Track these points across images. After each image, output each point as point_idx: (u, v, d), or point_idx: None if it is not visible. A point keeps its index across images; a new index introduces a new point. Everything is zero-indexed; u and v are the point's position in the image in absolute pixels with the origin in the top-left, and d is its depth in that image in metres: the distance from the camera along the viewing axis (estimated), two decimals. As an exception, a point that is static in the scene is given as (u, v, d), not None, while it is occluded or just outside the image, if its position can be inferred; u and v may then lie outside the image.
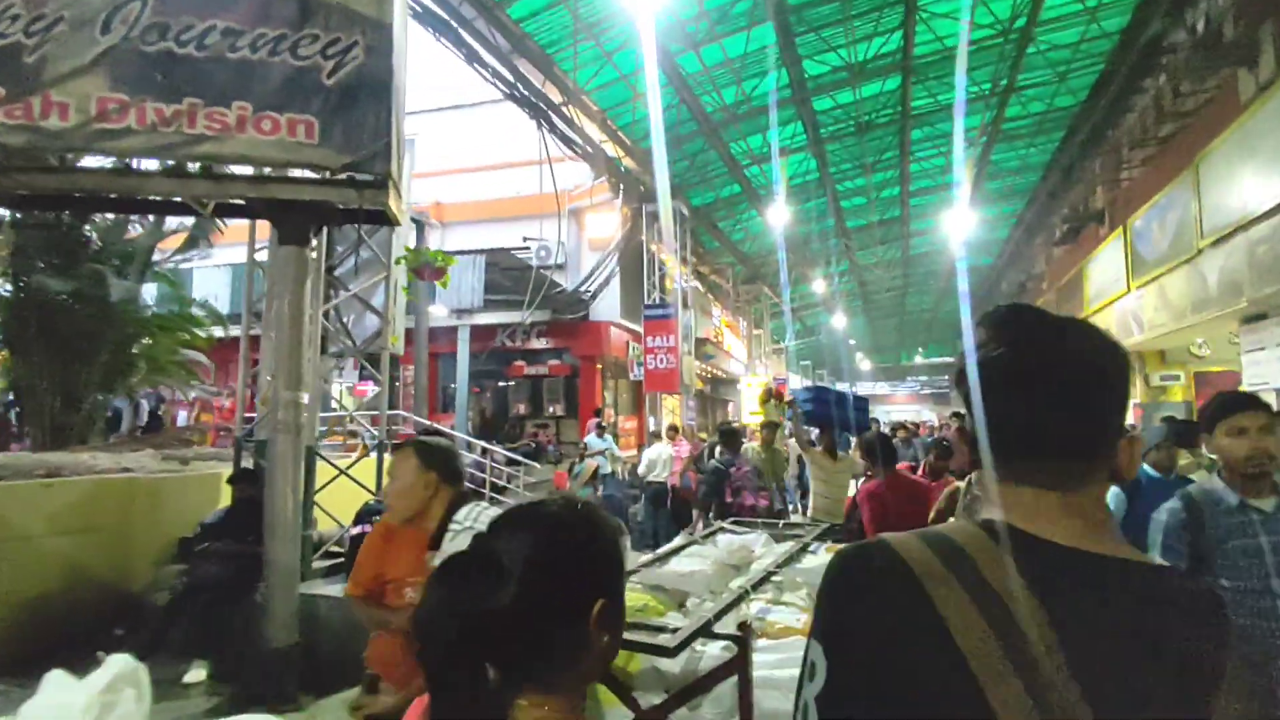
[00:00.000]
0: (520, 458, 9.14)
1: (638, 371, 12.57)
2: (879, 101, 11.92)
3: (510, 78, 7.89)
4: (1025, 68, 11.37)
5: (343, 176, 3.61)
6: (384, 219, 3.95)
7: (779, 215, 13.00)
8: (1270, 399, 9.09)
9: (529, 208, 13.90)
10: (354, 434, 10.25)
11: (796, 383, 38.51)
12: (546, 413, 13.51)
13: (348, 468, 5.57)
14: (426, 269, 6.07)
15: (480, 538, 0.84)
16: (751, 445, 7.13)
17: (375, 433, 8.61)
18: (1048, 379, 0.77)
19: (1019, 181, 16.58)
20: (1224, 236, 8.80)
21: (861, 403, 7.08)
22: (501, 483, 8.44)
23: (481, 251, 10.16)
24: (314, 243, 4.49)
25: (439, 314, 11.03)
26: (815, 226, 17.81)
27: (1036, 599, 0.69)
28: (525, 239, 13.98)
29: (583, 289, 11.94)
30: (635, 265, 13.01)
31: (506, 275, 10.46)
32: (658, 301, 11.61)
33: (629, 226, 12.07)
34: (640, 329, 12.74)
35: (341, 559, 5.07)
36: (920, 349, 47.03)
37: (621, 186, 12.55)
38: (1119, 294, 12.92)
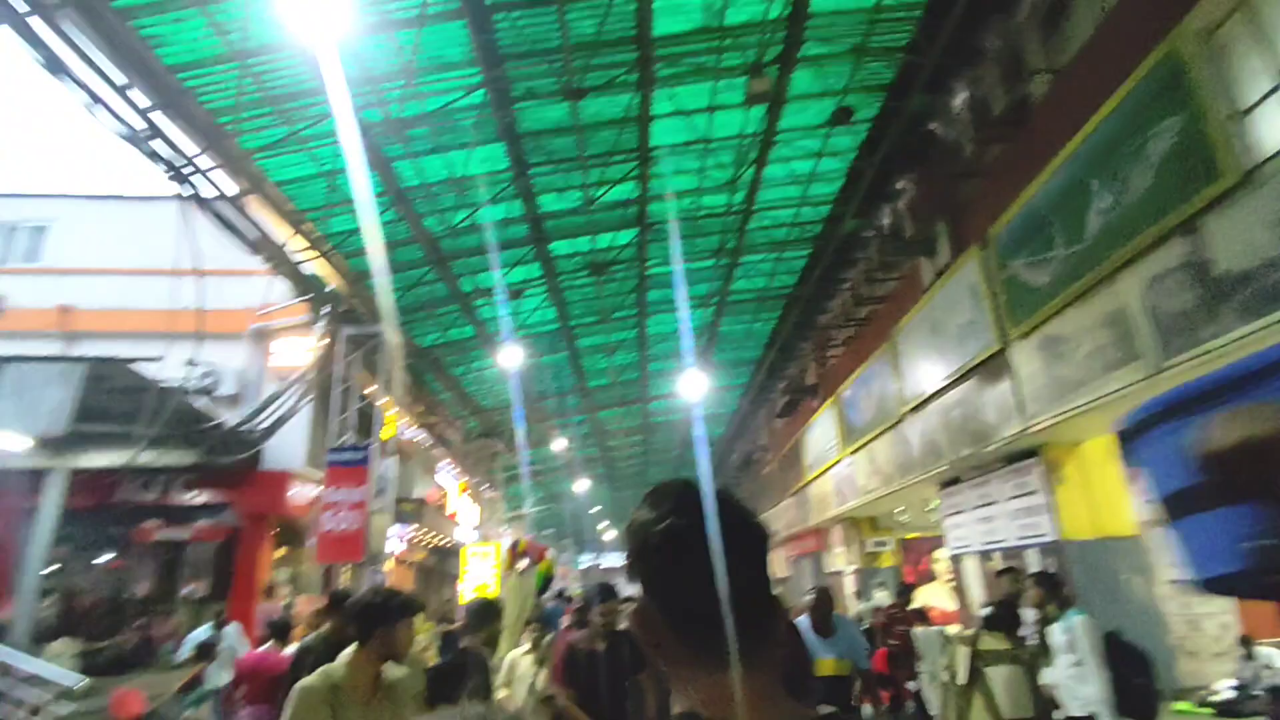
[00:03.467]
0: (40, 676, 5.55)
1: (324, 537, 9.78)
2: (616, 254, 11.69)
3: (141, 121, 5.85)
4: (748, 244, 12.00)
5: None
6: None
7: (512, 361, 11.78)
8: (972, 563, 9.35)
9: (197, 324, 11.11)
10: None
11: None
12: (180, 595, 9.85)
13: None
14: None
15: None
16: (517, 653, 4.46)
17: None
18: (723, 547, 0.80)
19: (744, 353, 17.55)
20: (922, 403, 9.31)
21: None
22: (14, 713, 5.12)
23: (78, 359, 7.16)
24: None
25: (8, 449, 7.53)
26: (555, 383, 17.00)
27: None
28: (189, 361, 11.01)
29: (249, 426, 9.24)
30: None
31: (126, 399, 7.54)
32: (349, 445, 9.30)
33: (323, 354, 9.91)
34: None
35: None
36: (661, 519, 47.67)
37: (325, 310, 10.49)
38: (834, 461, 13.49)
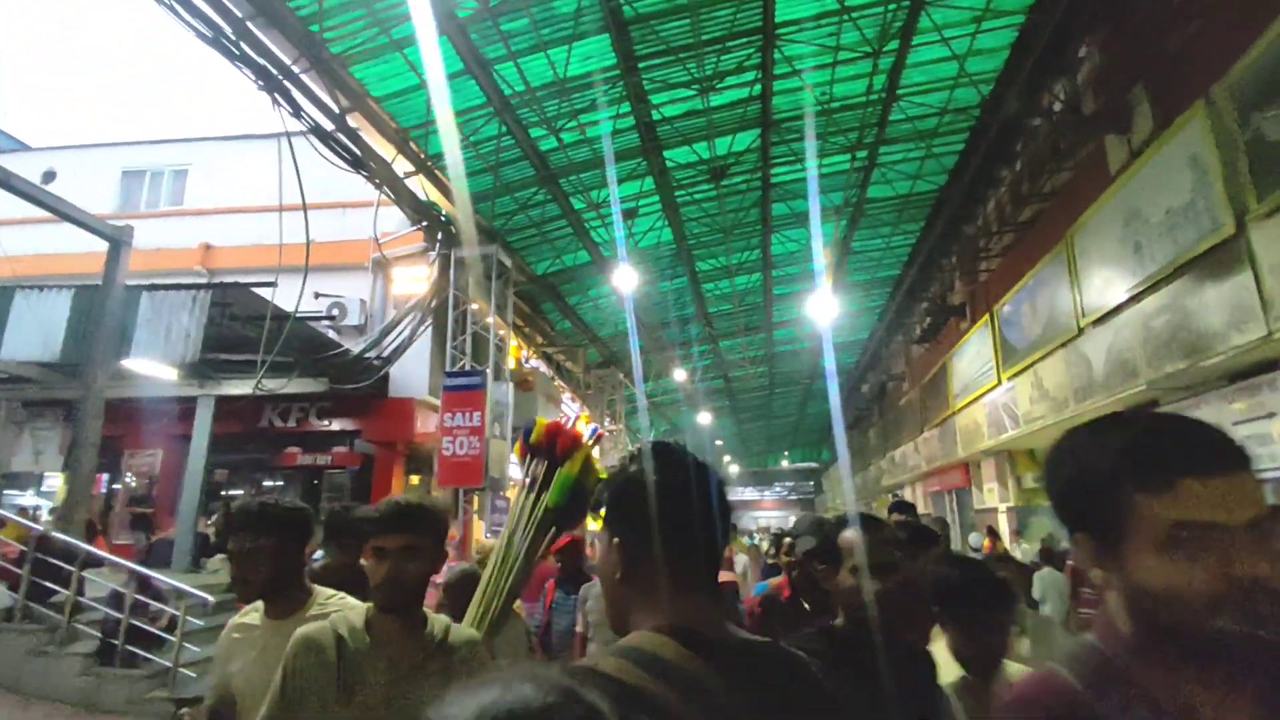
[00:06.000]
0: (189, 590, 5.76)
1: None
2: (735, 160, 10.60)
3: (229, 32, 5.53)
4: (889, 139, 10.50)
5: None
6: None
7: (628, 286, 11.15)
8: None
9: (328, 256, 11.30)
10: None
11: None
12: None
13: None
14: None
15: None
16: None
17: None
18: (698, 496, 1.00)
19: (881, 271, 16.01)
20: (1111, 312, 7.76)
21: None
22: (153, 628, 5.30)
23: (203, 286, 7.28)
24: None
25: (158, 376, 7.94)
26: (675, 310, 16.31)
27: (720, 682, 0.86)
28: (317, 294, 11.27)
29: (372, 354, 9.27)
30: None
31: (253, 327, 7.66)
32: (466, 369, 9.12)
33: (435, 277, 9.72)
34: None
35: None
36: (786, 453, 46.83)
37: (439, 235, 10.28)
38: (988, 387, 12.00)
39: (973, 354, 12.98)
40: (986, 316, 11.97)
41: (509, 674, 0.59)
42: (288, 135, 6.75)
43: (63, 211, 6.58)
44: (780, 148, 10.40)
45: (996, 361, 11.59)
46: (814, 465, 45.42)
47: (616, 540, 1.02)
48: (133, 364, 7.05)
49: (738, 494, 47.88)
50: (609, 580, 1.03)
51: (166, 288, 7.25)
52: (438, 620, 1.76)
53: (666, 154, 10.29)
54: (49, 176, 12.82)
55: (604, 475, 2.47)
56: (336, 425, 10.61)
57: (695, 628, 0.92)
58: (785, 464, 48.08)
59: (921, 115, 9.95)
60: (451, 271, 9.43)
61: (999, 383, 11.49)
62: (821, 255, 12.69)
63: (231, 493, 11.56)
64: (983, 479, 14.14)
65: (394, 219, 11.06)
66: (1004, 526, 12.76)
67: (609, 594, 1.05)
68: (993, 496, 13.54)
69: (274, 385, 7.97)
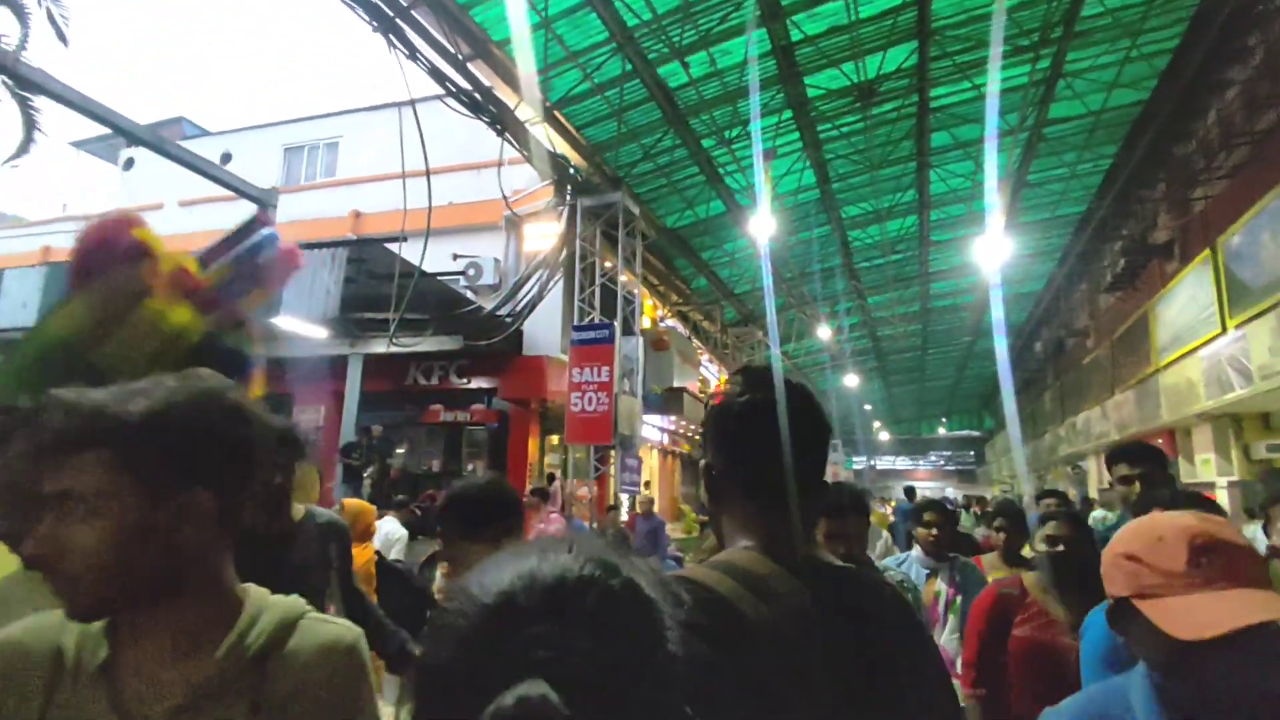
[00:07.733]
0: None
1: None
2: (889, 80, 9.36)
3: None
4: (1078, 36, 8.80)
5: None
6: None
7: (763, 232, 10.31)
8: None
9: (463, 217, 11.44)
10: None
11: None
12: (465, 470, 10.62)
13: None
14: None
15: None
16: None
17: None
18: (788, 420, 0.96)
19: (1062, 208, 13.88)
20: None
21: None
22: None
23: (339, 243, 7.47)
24: None
25: (306, 334, 8.32)
26: (817, 262, 15.13)
27: (809, 602, 0.87)
28: (455, 255, 11.45)
29: (503, 311, 9.19)
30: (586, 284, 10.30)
31: (386, 284, 7.77)
32: (594, 323, 8.80)
33: (566, 233, 9.44)
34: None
35: None
36: (942, 420, 43.55)
37: (569, 189, 10.00)
38: (1209, 337, 9.96)
39: (1186, 299, 10.87)
40: (1206, 252, 9.91)
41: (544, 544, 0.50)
42: (412, 103, 6.69)
43: (213, 175, 6.90)
44: (941, 62, 9.02)
45: (1220, 305, 9.57)
46: (974, 433, 41.87)
47: (704, 463, 1.04)
48: (281, 321, 7.40)
49: (889, 463, 45.30)
50: (713, 504, 1.07)
51: (308, 246, 7.51)
52: (272, 610, 0.92)
53: (807, 80, 9.27)
54: (226, 158, 13.99)
55: (193, 337, 1.32)
56: (474, 383, 10.79)
57: (786, 548, 0.94)
58: (941, 431, 44.77)
59: (1123, 6, 8.21)
60: (578, 222, 9.11)
61: (1223, 331, 9.50)
62: (992, 189, 11.09)
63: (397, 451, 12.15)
64: (1194, 448, 11.96)
65: (524, 177, 10.92)
66: (1224, 505, 10.70)
67: (710, 517, 1.11)
68: (1209, 469, 11.40)
69: (409, 342, 8.10)
